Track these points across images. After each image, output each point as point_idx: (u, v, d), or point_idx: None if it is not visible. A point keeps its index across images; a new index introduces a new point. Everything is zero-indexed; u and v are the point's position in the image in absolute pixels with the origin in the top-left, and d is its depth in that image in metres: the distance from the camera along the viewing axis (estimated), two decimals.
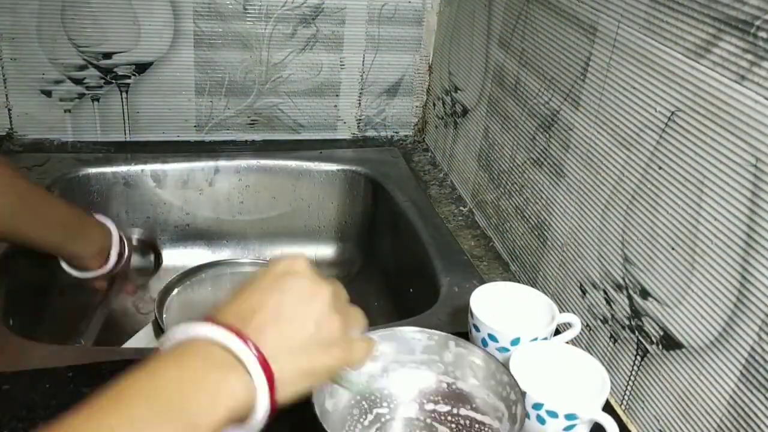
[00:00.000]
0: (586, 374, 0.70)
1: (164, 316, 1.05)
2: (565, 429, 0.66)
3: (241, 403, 0.46)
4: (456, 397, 0.72)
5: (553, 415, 0.65)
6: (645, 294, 0.72)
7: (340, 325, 0.52)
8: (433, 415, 0.72)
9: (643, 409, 0.74)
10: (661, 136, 0.69)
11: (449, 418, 0.71)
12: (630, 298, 0.75)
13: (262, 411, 0.47)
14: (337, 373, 0.56)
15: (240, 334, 0.47)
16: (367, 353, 0.56)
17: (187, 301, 1.11)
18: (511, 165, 1.01)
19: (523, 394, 0.66)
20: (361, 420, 0.71)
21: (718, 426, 0.64)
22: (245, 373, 0.46)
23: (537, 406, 0.66)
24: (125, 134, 1.24)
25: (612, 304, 0.78)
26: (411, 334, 0.72)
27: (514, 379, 0.66)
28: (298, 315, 0.50)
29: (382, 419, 0.72)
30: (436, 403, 0.72)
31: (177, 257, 1.21)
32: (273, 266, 0.53)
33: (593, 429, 0.67)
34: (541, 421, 0.66)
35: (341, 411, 0.69)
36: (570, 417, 0.65)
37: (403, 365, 0.73)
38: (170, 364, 0.46)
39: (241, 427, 0.47)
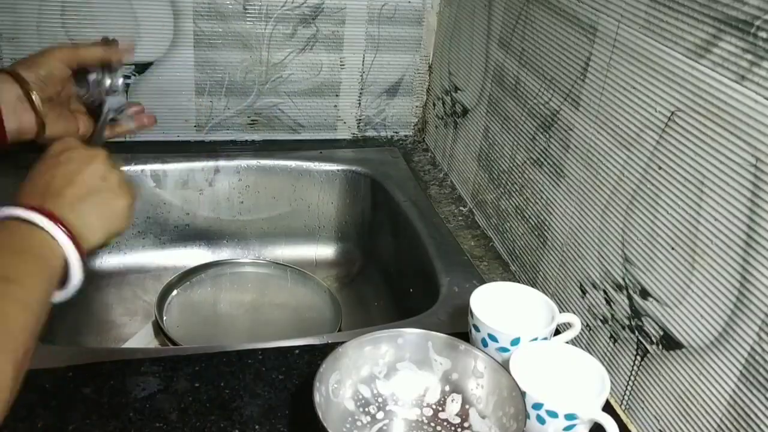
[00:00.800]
0: (586, 374, 0.70)
1: (164, 317, 1.05)
2: (565, 429, 0.66)
3: (58, 259, 0.56)
4: (458, 399, 0.71)
5: (553, 415, 0.65)
6: (645, 294, 0.72)
7: (122, 175, 0.65)
8: (433, 418, 0.72)
9: (643, 409, 0.74)
10: (661, 136, 0.69)
11: (450, 421, 0.71)
12: (630, 298, 0.75)
13: (74, 259, 0.57)
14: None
15: (30, 207, 0.56)
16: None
17: (187, 301, 1.11)
18: (511, 165, 1.01)
19: (523, 394, 0.66)
20: (362, 420, 0.71)
21: (718, 426, 0.64)
22: (46, 233, 0.56)
23: (537, 406, 0.66)
24: (125, 134, 1.24)
25: (612, 304, 0.78)
26: (413, 335, 0.72)
27: (515, 381, 0.66)
28: (84, 175, 0.62)
29: (383, 421, 0.72)
30: (437, 405, 0.72)
31: (177, 257, 1.21)
32: (48, 150, 0.64)
33: (593, 429, 0.67)
34: (541, 421, 0.66)
35: (342, 412, 0.69)
36: (570, 417, 0.65)
37: (405, 367, 0.73)
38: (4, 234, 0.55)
39: (66, 287, 0.57)
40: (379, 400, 0.72)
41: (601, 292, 0.80)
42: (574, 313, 0.84)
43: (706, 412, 0.65)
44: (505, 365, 0.70)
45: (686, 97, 0.65)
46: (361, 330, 0.81)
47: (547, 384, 0.71)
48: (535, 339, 0.74)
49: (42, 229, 0.56)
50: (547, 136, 0.91)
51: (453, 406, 0.72)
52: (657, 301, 0.71)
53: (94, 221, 0.61)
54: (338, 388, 0.69)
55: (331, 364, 0.68)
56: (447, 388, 0.72)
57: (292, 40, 1.24)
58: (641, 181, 0.72)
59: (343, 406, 0.70)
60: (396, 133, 1.38)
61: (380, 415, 0.72)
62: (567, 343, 0.76)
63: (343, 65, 1.29)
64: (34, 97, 0.78)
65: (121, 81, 0.86)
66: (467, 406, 0.71)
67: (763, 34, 0.56)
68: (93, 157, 0.64)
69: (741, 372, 0.61)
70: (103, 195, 0.63)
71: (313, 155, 1.26)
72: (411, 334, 0.73)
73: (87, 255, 0.59)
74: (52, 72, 0.80)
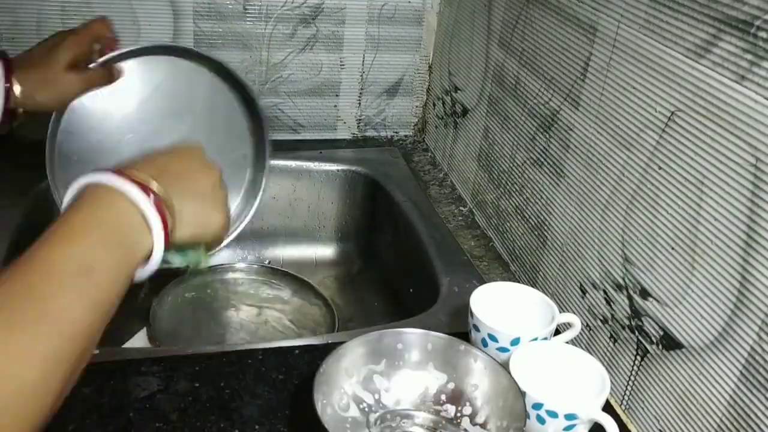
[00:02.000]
0: (586, 374, 0.70)
1: (158, 323, 1.05)
2: (565, 429, 0.66)
3: (143, 252, 0.54)
4: (458, 400, 0.72)
5: (553, 415, 0.65)
6: (645, 294, 0.72)
7: (226, 198, 0.65)
8: (433, 417, 0.72)
9: (643, 409, 0.74)
10: (661, 136, 0.69)
11: (450, 420, 0.71)
12: (630, 298, 0.75)
13: (158, 252, 0.55)
14: (209, 245, 0.68)
15: (140, 184, 0.54)
16: (226, 231, 0.67)
17: (186, 302, 1.11)
18: (511, 165, 1.01)
19: (523, 394, 0.66)
20: (363, 421, 0.70)
21: (718, 426, 0.64)
22: (144, 221, 0.54)
23: (537, 406, 0.66)
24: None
25: (612, 304, 0.78)
26: (413, 335, 0.72)
27: (515, 381, 0.66)
28: (200, 175, 0.62)
29: (384, 421, 0.71)
30: (437, 405, 0.72)
31: None
32: (175, 145, 0.64)
33: (593, 429, 0.67)
34: (541, 421, 0.66)
35: (342, 412, 0.69)
36: (570, 417, 0.65)
37: (405, 367, 0.73)
38: (99, 207, 0.53)
39: (145, 264, 0.55)
40: (379, 399, 0.72)
41: (601, 292, 0.80)
42: (574, 313, 0.84)
43: (706, 412, 0.65)
44: (505, 365, 0.70)
45: (686, 97, 0.65)
46: (360, 330, 0.81)
47: (547, 384, 0.71)
48: (535, 339, 0.74)
49: (143, 216, 0.54)
50: (547, 136, 0.91)
51: (453, 406, 0.72)
52: (657, 301, 0.71)
53: (191, 219, 0.60)
54: (338, 388, 0.69)
55: (332, 364, 0.68)
56: (447, 387, 0.72)
57: (292, 40, 1.24)
58: (641, 181, 0.72)
59: (344, 407, 0.70)
60: (396, 133, 1.38)
61: (380, 414, 0.71)
62: (567, 343, 0.76)
63: (343, 65, 1.29)
64: (12, 98, 0.77)
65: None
66: (467, 406, 0.71)
67: (763, 34, 0.56)
68: (212, 167, 0.64)
69: (741, 372, 0.61)
70: (207, 202, 0.62)
71: (313, 155, 1.26)
72: (411, 334, 0.73)
73: (167, 247, 0.57)
74: (56, 76, 0.80)
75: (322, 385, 0.66)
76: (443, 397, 0.72)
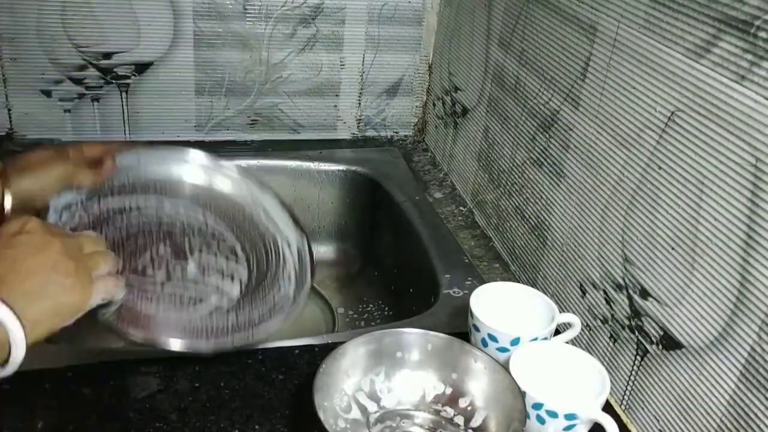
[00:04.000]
0: (586, 374, 0.70)
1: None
2: (565, 429, 0.66)
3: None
4: (458, 400, 0.71)
5: (553, 415, 0.65)
6: (645, 294, 0.72)
7: (75, 269, 0.59)
8: (433, 418, 0.72)
9: (643, 409, 0.74)
10: (661, 136, 0.69)
11: (449, 420, 0.71)
12: (630, 298, 0.75)
13: (18, 338, 0.54)
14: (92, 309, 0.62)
15: None
16: (107, 290, 0.63)
17: None
18: (511, 165, 1.01)
19: (523, 394, 0.66)
20: (363, 421, 0.70)
21: (718, 426, 0.64)
22: None
23: (537, 406, 0.66)
24: (125, 134, 1.24)
25: (612, 304, 0.78)
26: (413, 335, 0.72)
27: (515, 381, 0.66)
28: (33, 265, 0.57)
29: (383, 421, 0.71)
30: (437, 405, 0.72)
31: None
32: (4, 229, 0.59)
33: (593, 429, 0.67)
34: (541, 421, 0.66)
35: (343, 412, 0.69)
36: (570, 417, 0.65)
37: (405, 367, 0.73)
38: None
39: (4, 367, 0.55)
40: (380, 400, 0.72)
41: (601, 292, 0.80)
42: (574, 313, 0.84)
43: (706, 412, 0.65)
44: (505, 365, 0.70)
45: (686, 97, 0.65)
46: (360, 330, 0.81)
47: (547, 384, 0.71)
48: (535, 339, 0.74)
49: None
50: (547, 136, 0.91)
51: (453, 406, 0.71)
52: (657, 301, 0.71)
53: (40, 316, 0.56)
54: (339, 389, 0.69)
55: (332, 364, 0.68)
56: (447, 388, 0.72)
57: (292, 40, 1.24)
58: (641, 181, 0.72)
59: (344, 407, 0.70)
60: (396, 133, 1.38)
61: (380, 415, 0.71)
62: (567, 343, 0.76)
63: (343, 65, 1.29)
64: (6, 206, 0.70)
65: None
66: (467, 406, 0.71)
67: (763, 34, 0.56)
68: (48, 243, 0.59)
69: (741, 372, 0.61)
70: (51, 290, 0.58)
71: (313, 155, 1.26)
72: (411, 334, 0.73)
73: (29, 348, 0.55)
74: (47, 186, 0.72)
75: (323, 386, 0.66)
76: (443, 397, 0.72)
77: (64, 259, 0.59)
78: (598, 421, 0.65)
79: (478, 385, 0.70)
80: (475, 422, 0.70)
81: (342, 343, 0.70)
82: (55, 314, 0.58)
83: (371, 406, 0.71)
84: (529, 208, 0.97)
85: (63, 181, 0.73)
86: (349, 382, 0.71)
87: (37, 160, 0.74)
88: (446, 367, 0.72)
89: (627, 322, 0.76)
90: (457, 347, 0.72)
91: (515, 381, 0.67)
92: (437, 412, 0.72)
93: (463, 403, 0.71)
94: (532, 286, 0.82)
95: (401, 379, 0.73)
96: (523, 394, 0.65)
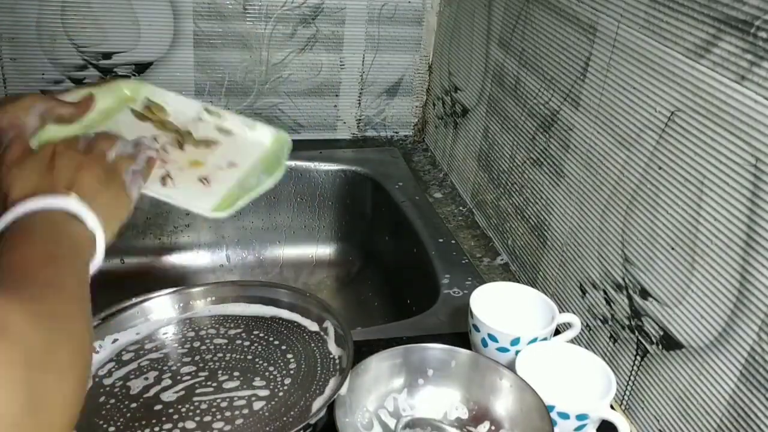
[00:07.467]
0: (591, 373, 0.70)
1: None
2: (575, 429, 0.66)
3: (90, 244, 0.57)
4: (482, 418, 0.70)
5: (564, 416, 0.65)
6: (645, 294, 0.72)
7: (107, 181, 0.63)
8: None
9: (643, 409, 0.74)
10: (661, 136, 0.69)
11: None
12: (630, 298, 0.75)
13: (101, 245, 0.58)
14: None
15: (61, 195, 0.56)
16: (139, 186, 0.69)
17: None
18: (511, 165, 1.01)
19: (549, 413, 0.65)
20: None
21: (718, 426, 0.64)
22: (81, 222, 0.57)
23: (549, 408, 0.65)
24: None
25: (612, 304, 0.78)
26: (437, 351, 0.71)
27: (540, 399, 0.65)
28: (80, 182, 0.60)
29: (414, 428, 0.68)
30: (460, 423, 0.70)
31: (176, 258, 1.21)
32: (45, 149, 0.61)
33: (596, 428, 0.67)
34: (553, 423, 0.66)
35: (364, 429, 0.68)
36: (581, 417, 0.65)
37: (428, 383, 0.71)
38: (36, 233, 0.54)
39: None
40: (402, 417, 0.69)
41: (601, 292, 0.80)
42: (574, 313, 0.84)
43: (706, 412, 0.65)
44: (510, 366, 0.69)
45: (686, 97, 0.65)
46: (386, 350, 0.76)
47: (554, 385, 0.71)
48: (535, 339, 0.74)
49: (77, 218, 0.56)
50: (547, 136, 0.91)
51: (477, 424, 0.69)
52: (657, 301, 0.71)
53: (106, 213, 0.60)
54: (361, 405, 0.68)
55: (353, 380, 0.67)
56: (471, 405, 0.70)
57: (292, 40, 1.24)
58: (641, 181, 0.72)
59: (366, 425, 0.68)
60: (396, 133, 1.38)
61: (411, 420, 0.68)
62: (567, 342, 0.76)
63: (343, 65, 1.29)
64: None
65: None
66: (491, 424, 0.69)
67: (763, 34, 0.56)
68: (90, 159, 0.62)
69: (741, 372, 0.61)
70: (98, 200, 0.61)
71: (313, 155, 1.26)
72: (435, 349, 0.71)
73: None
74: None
75: (344, 401, 0.64)
76: (467, 414, 0.70)
77: (101, 173, 0.62)
78: (608, 420, 0.65)
79: (503, 404, 0.69)
80: None
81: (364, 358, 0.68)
82: (111, 218, 0.61)
83: (393, 423, 0.69)
84: (529, 208, 0.97)
85: (42, 113, 0.73)
86: (371, 398, 0.69)
87: (15, 98, 0.74)
88: (471, 384, 0.70)
89: (627, 322, 0.76)
90: (483, 364, 0.70)
91: (541, 399, 0.65)
92: (460, 428, 0.69)
93: (487, 421, 0.69)
94: (532, 286, 0.82)
95: (424, 396, 0.71)
96: (550, 417, 0.63)
